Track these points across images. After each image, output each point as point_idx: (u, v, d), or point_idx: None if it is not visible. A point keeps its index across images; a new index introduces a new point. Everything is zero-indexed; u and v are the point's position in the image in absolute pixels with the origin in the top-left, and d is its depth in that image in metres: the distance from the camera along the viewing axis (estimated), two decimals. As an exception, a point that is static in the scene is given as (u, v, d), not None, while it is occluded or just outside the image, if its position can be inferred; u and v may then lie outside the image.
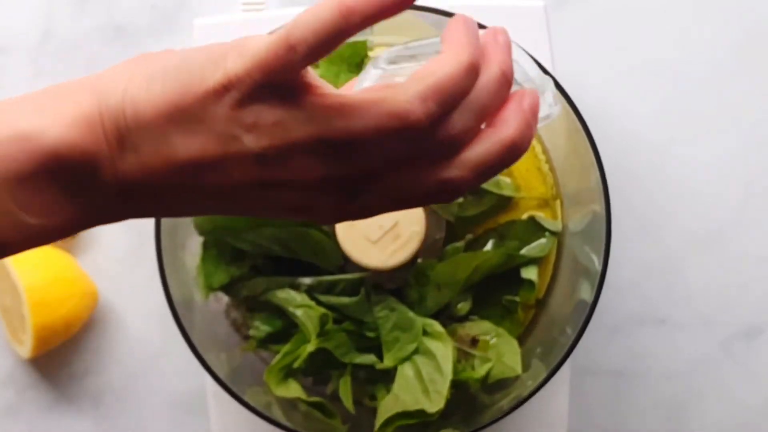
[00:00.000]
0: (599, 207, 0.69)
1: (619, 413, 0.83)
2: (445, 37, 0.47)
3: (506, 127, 0.46)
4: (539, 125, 0.49)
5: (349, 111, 0.44)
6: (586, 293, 0.70)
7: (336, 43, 0.43)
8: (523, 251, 0.71)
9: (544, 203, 0.73)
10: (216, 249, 0.71)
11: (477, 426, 0.70)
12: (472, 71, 0.45)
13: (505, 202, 0.72)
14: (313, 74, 0.44)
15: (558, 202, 0.73)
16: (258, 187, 0.45)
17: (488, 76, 0.46)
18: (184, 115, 0.44)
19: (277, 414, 0.71)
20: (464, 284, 0.71)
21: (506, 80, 0.46)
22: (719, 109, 0.82)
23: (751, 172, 0.82)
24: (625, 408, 0.83)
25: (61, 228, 0.46)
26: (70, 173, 0.45)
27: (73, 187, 0.45)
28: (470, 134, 0.46)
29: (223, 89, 0.44)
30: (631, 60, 0.82)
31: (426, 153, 0.45)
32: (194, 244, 0.72)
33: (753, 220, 0.82)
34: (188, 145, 0.45)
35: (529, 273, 0.72)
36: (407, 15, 0.70)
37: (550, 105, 0.51)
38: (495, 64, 0.46)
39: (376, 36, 0.72)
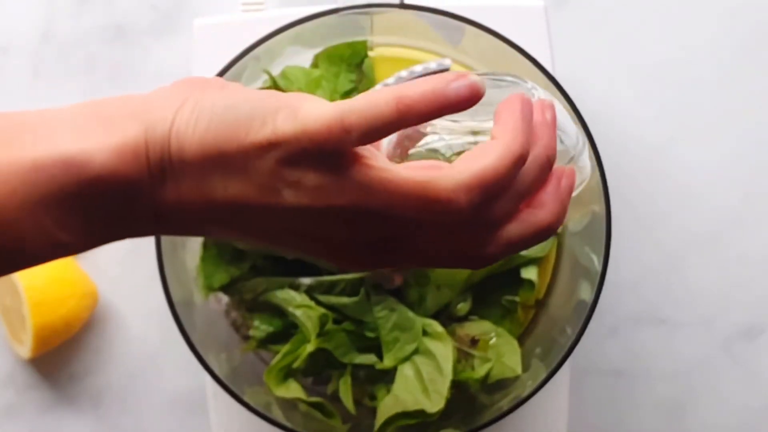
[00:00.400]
0: (599, 207, 0.69)
1: (618, 413, 0.83)
2: (499, 116, 0.47)
3: (543, 210, 0.47)
4: (573, 194, 0.49)
5: (391, 189, 0.44)
6: (585, 293, 0.70)
7: (389, 133, 0.44)
8: (523, 251, 0.71)
9: (544, 203, 0.73)
10: (216, 249, 0.71)
11: (477, 426, 0.70)
12: (521, 162, 0.46)
13: (505, 202, 0.72)
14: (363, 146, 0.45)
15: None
16: (289, 232, 0.46)
17: (533, 159, 0.46)
18: (227, 161, 0.45)
19: (277, 414, 0.71)
20: (464, 284, 0.71)
21: (550, 164, 0.47)
22: (719, 109, 0.82)
23: (751, 172, 0.82)
24: (625, 408, 0.83)
25: (90, 244, 0.47)
26: (110, 199, 0.45)
27: (111, 211, 0.46)
28: (509, 216, 0.46)
29: (270, 146, 0.44)
30: (632, 60, 0.82)
31: (461, 232, 0.46)
32: (194, 243, 0.72)
33: (753, 221, 0.82)
34: (227, 189, 0.45)
35: (529, 273, 0.72)
36: (407, 15, 0.70)
37: (583, 168, 0.51)
38: (541, 147, 0.47)
39: (376, 36, 0.72)
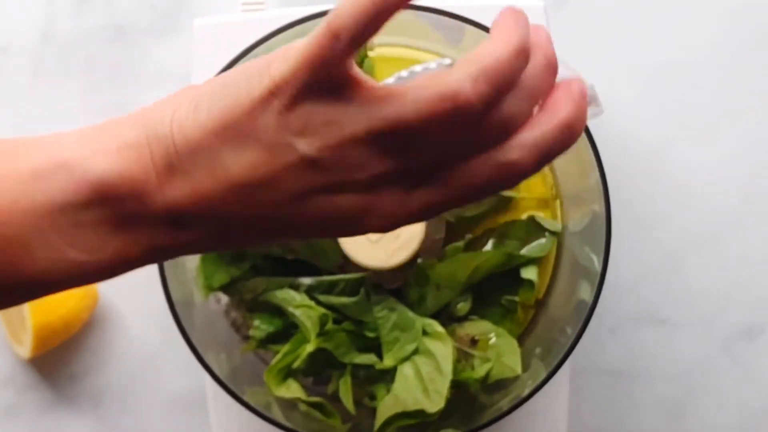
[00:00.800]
0: (599, 207, 0.69)
1: (618, 413, 0.83)
2: (493, 23, 0.45)
3: (559, 109, 0.45)
4: (588, 120, 0.48)
5: (398, 98, 0.43)
6: (585, 293, 0.70)
7: (378, 25, 0.43)
8: (523, 251, 0.71)
9: (544, 203, 0.73)
10: (216, 249, 0.71)
11: (477, 426, 0.70)
12: (522, 54, 0.44)
13: (505, 203, 0.72)
14: (359, 70, 0.43)
15: (558, 202, 0.73)
16: (314, 195, 0.44)
17: (535, 63, 0.45)
18: (233, 131, 0.43)
19: (277, 414, 0.71)
20: (464, 284, 0.71)
21: (553, 68, 0.46)
22: (719, 109, 0.82)
23: (751, 172, 0.82)
24: (625, 408, 0.83)
25: (108, 265, 0.45)
26: (117, 203, 0.44)
27: (120, 219, 0.44)
28: (523, 117, 0.45)
29: (270, 95, 0.43)
30: (632, 60, 0.82)
31: (482, 137, 0.44)
32: (194, 244, 0.72)
33: (753, 221, 0.82)
34: (240, 162, 0.43)
35: (529, 273, 0.72)
36: (407, 15, 0.70)
37: (595, 102, 0.50)
38: (540, 52, 0.45)
39: (375, 36, 0.72)
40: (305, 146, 0.43)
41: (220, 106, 0.44)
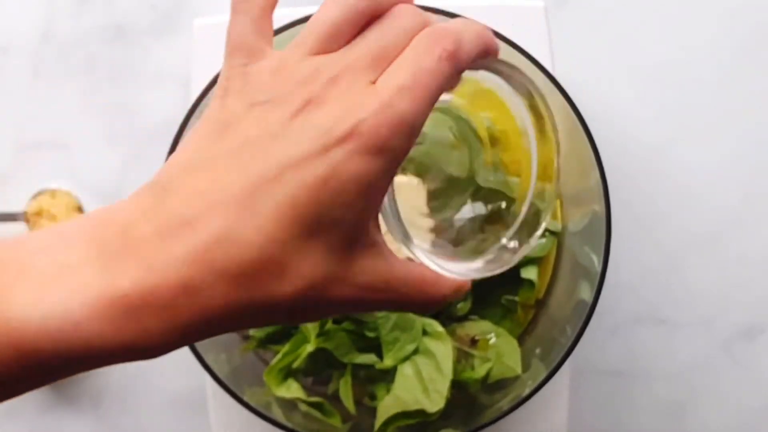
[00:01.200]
0: (599, 207, 0.69)
1: (618, 413, 0.83)
2: None
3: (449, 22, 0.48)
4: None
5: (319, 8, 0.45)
6: (585, 293, 0.70)
7: None
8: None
9: (544, 203, 0.73)
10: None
11: (477, 426, 0.70)
12: None
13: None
14: None
15: (558, 202, 0.73)
16: (293, 120, 0.43)
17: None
18: (209, 138, 0.44)
19: (277, 414, 0.71)
20: (464, 284, 0.71)
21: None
22: (719, 109, 0.82)
23: (751, 172, 0.82)
24: (625, 408, 0.83)
25: (98, 302, 0.41)
26: (98, 237, 0.42)
27: (103, 254, 0.42)
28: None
29: (224, 93, 0.45)
30: (632, 60, 0.82)
31: (401, 21, 0.46)
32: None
33: (753, 221, 0.82)
34: (225, 145, 0.44)
35: (529, 273, 0.72)
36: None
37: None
38: None
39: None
40: (263, 97, 0.44)
41: (193, 141, 0.45)
